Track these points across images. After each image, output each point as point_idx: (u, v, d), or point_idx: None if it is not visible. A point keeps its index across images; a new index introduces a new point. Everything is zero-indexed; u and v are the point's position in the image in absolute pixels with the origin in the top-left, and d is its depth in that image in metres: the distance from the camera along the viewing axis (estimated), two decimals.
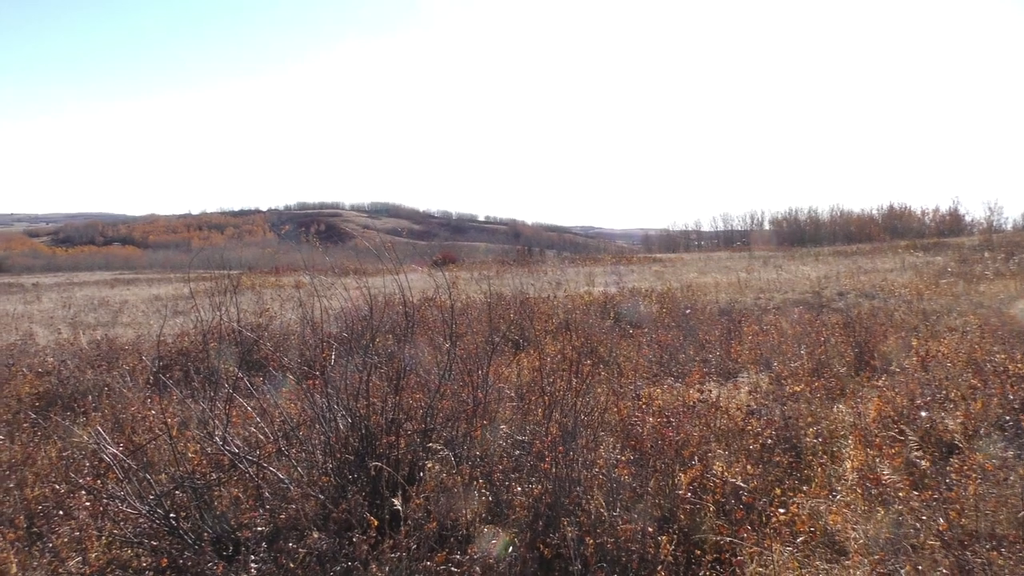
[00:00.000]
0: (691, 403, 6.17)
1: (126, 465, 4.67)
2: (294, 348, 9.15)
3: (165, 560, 4.06)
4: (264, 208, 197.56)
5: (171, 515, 4.35)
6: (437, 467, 4.83)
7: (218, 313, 8.34)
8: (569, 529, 4.01)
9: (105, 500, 4.59)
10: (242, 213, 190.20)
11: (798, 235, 75.93)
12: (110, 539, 4.50)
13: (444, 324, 8.05)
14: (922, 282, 18.31)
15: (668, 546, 4.04)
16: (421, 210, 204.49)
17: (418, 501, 4.27)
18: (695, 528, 4.43)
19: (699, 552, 4.22)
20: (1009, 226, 58.39)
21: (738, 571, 4.04)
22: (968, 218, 67.06)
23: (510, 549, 3.98)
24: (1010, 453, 5.26)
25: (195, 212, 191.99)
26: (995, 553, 3.66)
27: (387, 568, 3.75)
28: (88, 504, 4.73)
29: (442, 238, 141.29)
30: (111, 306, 22.23)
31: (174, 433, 5.81)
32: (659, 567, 3.94)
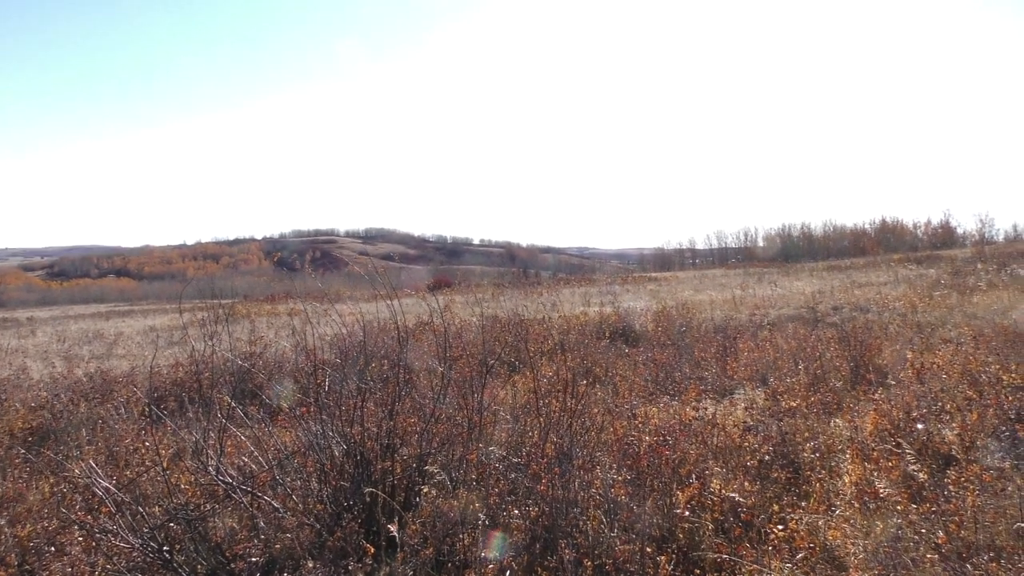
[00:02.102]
0: (687, 421, 6.15)
1: (119, 499, 4.63)
2: (288, 375, 9.11)
3: None
4: (259, 236, 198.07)
5: (165, 548, 4.31)
6: (433, 492, 4.80)
7: (211, 343, 8.33)
8: (567, 551, 3.97)
9: (98, 535, 4.54)
10: (237, 242, 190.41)
11: (792, 250, 76.29)
12: (103, 574, 4.44)
13: (439, 348, 8.04)
14: (916, 295, 18.35)
15: (667, 566, 4.00)
16: (416, 235, 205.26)
17: (414, 527, 4.24)
18: (694, 546, 4.40)
19: (698, 571, 4.18)
20: (1001, 238, 58.84)
21: None
22: (960, 230, 67.56)
23: (508, 574, 3.94)
24: (1007, 464, 5.24)
25: (190, 242, 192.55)
26: (994, 565, 3.64)
27: None
28: (81, 539, 4.68)
29: (437, 262, 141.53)
30: (106, 338, 22.15)
31: (167, 464, 5.78)
32: None
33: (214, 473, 4.69)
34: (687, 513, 4.62)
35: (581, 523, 4.36)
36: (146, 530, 4.36)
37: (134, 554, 4.36)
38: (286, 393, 6.93)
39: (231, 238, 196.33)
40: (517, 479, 4.89)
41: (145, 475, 5.46)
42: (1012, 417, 5.92)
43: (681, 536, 4.46)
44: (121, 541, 4.33)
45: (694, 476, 5.08)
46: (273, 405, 7.13)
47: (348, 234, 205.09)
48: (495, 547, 4.12)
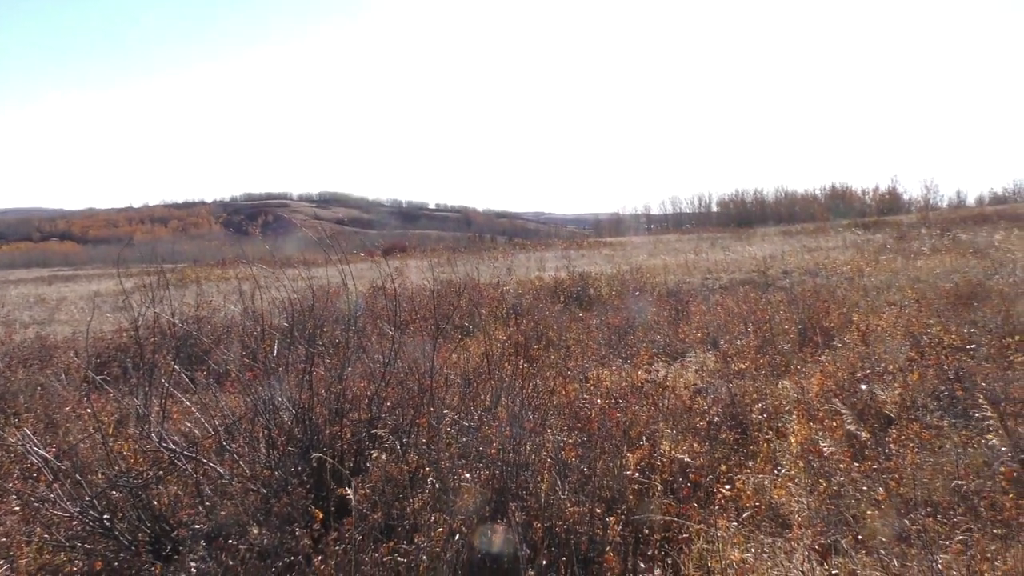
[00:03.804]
0: (639, 384, 6.19)
1: (57, 467, 4.49)
2: (236, 340, 8.93)
3: (99, 563, 3.91)
4: (209, 200, 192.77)
5: (105, 516, 4.19)
6: (383, 457, 4.76)
7: (156, 308, 8.09)
8: (517, 514, 3.97)
9: (35, 504, 4.40)
10: (187, 205, 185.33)
11: (745, 216, 77.22)
12: (41, 544, 4.32)
13: (391, 312, 7.93)
14: (863, 259, 18.78)
15: (616, 527, 4.04)
16: (370, 199, 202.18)
17: (364, 492, 4.19)
18: (643, 508, 4.45)
19: (647, 532, 4.24)
20: (944, 204, 60.50)
21: (685, 549, 4.07)
22: (906, 196, 69.32)
23: (457, 536, 3.93)
24: (945, 422, 5.41)
25: (137, 205, 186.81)
26: (931, 520, 3.75)
27: (332, 561, 3.67)
28: (17, 509, 4.53)
29: (392, 227, 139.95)
30: (48, 303, 21.46)
31: (110, 431, 5.63)
32: (607, 548, 3.94)
33: (157, 440, 4.56)
34: (637, 475, 4.66)
35: (532, 486, 4.37)
36: (86, 499, 4.23)
37: (74, 523, 4.24)
38: (233, 357, 6.78)
39: (180, 201, 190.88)
40: (468, 443, 4.87)
41: (86, 443, 5.30)
42: (951, 377, 6.10)
43: (631, 497, 4.50)
44: (59, 510, 4.21)
45: (644, 438, 5.13)
46: (220, 371, 6.99)
47: (301, 198, 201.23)
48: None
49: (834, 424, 5.37)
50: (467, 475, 4.51)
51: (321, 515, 3.89)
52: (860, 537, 3.73)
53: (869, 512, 3.95)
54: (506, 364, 5.73)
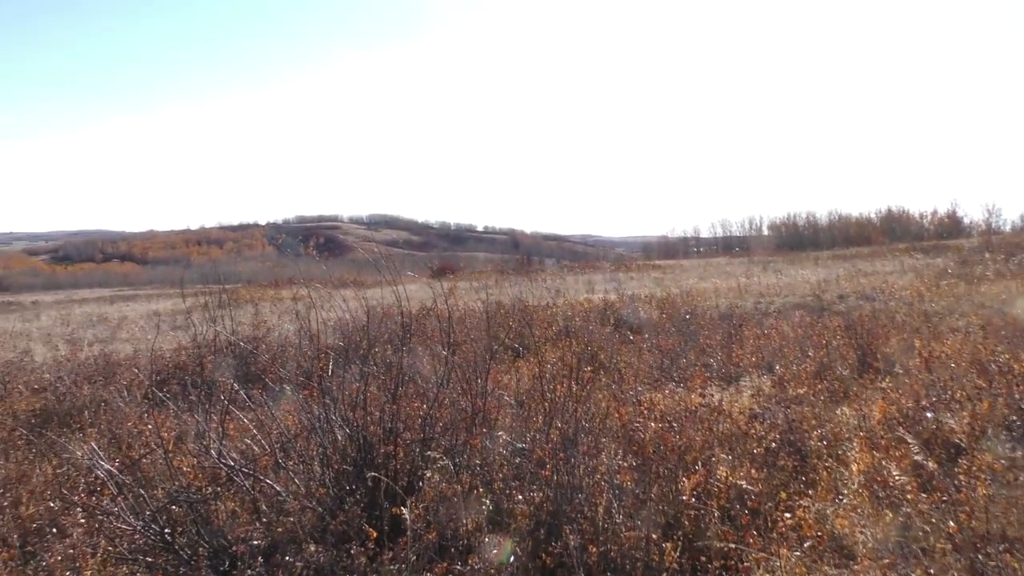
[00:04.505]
0: (693, 408, 6.09)
1: (121, 481, 4.60)
2: (291, 360, 9.07)
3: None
4: (263, 222, 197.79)
5: (166, 530, 4.27)
6: (436, 476, 4.76)
7: (214, 327, 8.29)
8: (572, 537, 3.93)
9: (100, 517, 4.51)
10: (241, 227, 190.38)
11: (797, 240, 76.10)
12: (105, 556, 4.42)
13: (443, 333, 7.97)
14: (922, 284, 18.26)
15: (673, 553, 3.96)
16: (419, 221, 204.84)
17: (417, 511, 4.19)
18: (700, 534, 4.35)
19: (704, 559, 4.14)
20: (1008, 227, 58.61)
21: None
22: (967, 220, 67.38)
23: (512, 559, 3.90)
24: (1018, 453, 5.18)
25: (194, 227, 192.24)
26: (1008, 555, 3.58)
27: None
28: (83, 521, 4.66)
29: (441, 248, 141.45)
30: (110, 322, 22.18)
31: (170, 447, 5.75)
32: (664, 574, 3.87)
33: (216, 456, 4.65)
34: (693, 500, 4.57)
35: (586, 509, 4.31)
36: (148, 513, 4.32)
37: (136, 536, 4.33)
38: (288, 377, 6.89)
39: (235, 223, 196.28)
40: (521, 464, 4.85)
41: (147, 458, 5.43)
42: (1023, 407, 5.85)
43: (687, 523, 4.41)
44: (123, 523, 4.30)
45: (700, 463, 5.03)
46: (276, 389, 7.10)
47: (352, 220, 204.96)
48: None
49: (899, 453, 5.20)
50: (520, 496, 4.49)
51: (375, 534, 3.90)
52: (932, 572, 3.58)
53: (940, 546, 3.80)
54: (558, 386, 5.70)
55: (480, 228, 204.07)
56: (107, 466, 4.69)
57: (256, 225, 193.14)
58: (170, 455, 5.00)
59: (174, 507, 4.52)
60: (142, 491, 4.50)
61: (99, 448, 5.38)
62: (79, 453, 6.00)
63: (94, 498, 4.92)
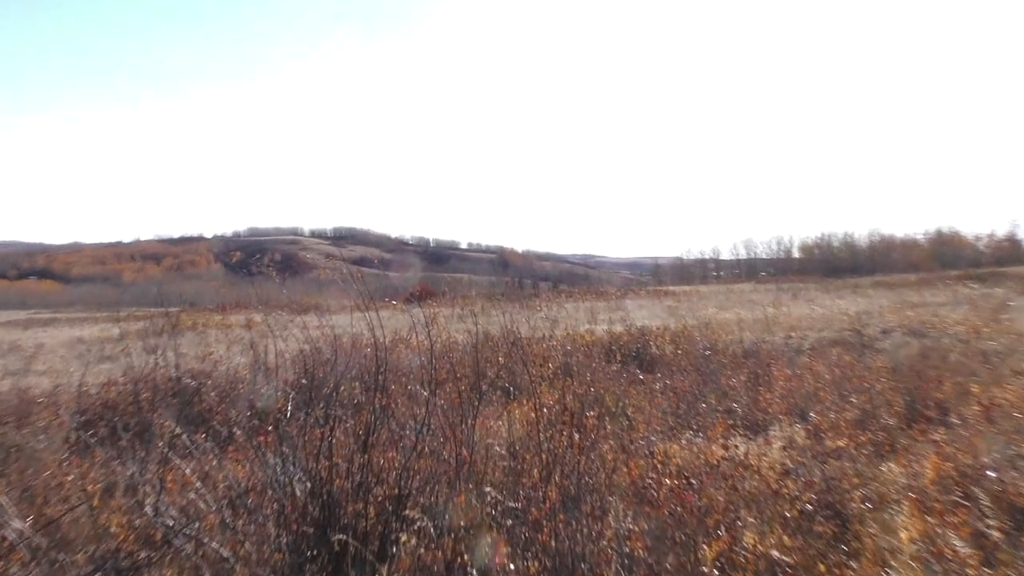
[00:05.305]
0: (715, 462, 6.10)
1: (35, 544, 4.52)
2: (243, 399, 9.01)
3: None
4: (209, 235, 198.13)
5: None
6: (413, 540, 4.72)
7: (153, 358, 8.24)
8: None
9: None
10: (183, 241, 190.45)
11: (832, 264, 76.79)
12: None
13: (422, 370, 7.95)
14: (979, 318, 18.39)
15: None
16: (393, 236, 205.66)
17: None
18: None
19: None
20: None
21: None
22: None
23: None
24: None
25: (127, 240, 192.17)
26: None
27: None
28: None
29: (418, 268, 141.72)
30: (23, 351, 22.01)
31: (96, 502, 5.68)
32: None
33: (152, 513, 4.60)
34: (715, 571, 4.54)
35: None
36: None
37: None
38: (240, 418, 6.84)
39: (175, 236, 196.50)
40: (514, 528, 4.81)
41: (68, 515, 5.35)
42: None
43: None
44: None
45: (723, 527, 5.02)
46: (224, 434, 7.04)
47: (314, 234, 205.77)
48: None
49: (956, 519, 5.19)
50: (512, 566, 4.45)
51: None
52: None
53: None
54: (557, 434, 5.68)
55: (464, 245, 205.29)
56: (18, 525, 4.62)
57: (201, 238, 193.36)
58: (96, 512, 4.94)
59: (99, 575, 4.46)
60: (61, 556, 4.44)
61: (9, 503, 5.30)
62: None
63: (2, 564, 4.83)
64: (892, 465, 6.80)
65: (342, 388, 7.39)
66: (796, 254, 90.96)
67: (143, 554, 4.63)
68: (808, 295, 31.56)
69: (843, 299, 28.10)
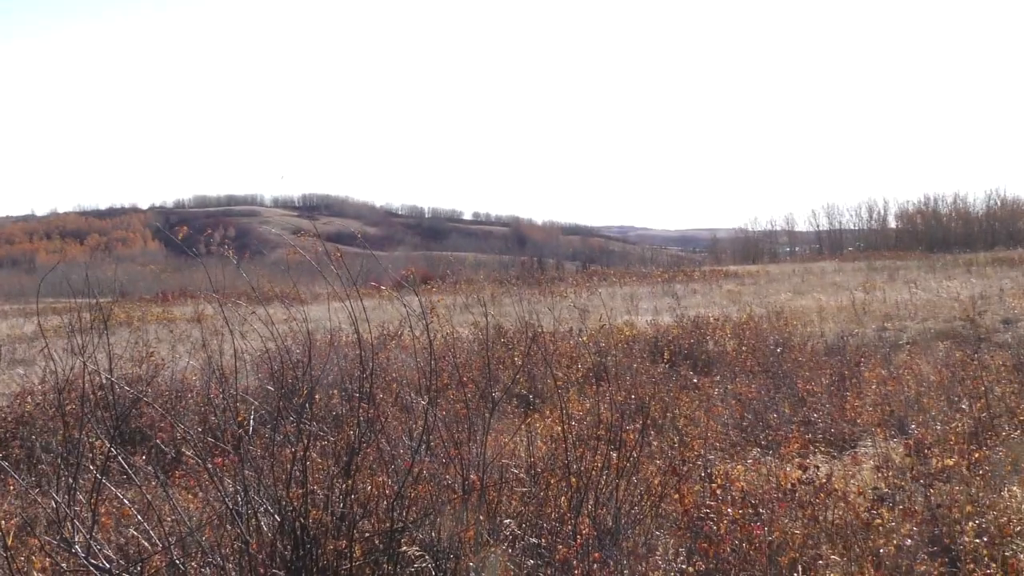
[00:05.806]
0: (789, 486, 6.12)
1: None
2: (193, 412, 9.10)
3: None
4: (144, 205, 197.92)
5: None
6: None
7: (79, 361, 8.30)
8: None
9: None
10: (112, 213, 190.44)
11: (939, 236, 76.24)
12: None
13: (418, 373, 8.01)
14: None
15: None
16: (378, 205, 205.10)
17: None
18: None
19: None
20: None
21: None
22: None
23: None
24: None
25: (41, 213, 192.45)
26: None
27: None
28: None
29: (411, 245, 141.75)
30: None
31: (10, 540, 5.76)
32: None
33: (83, 555, 4.67)
34: None
35: None
36: None
37: None
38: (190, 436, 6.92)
39: (103, 208, 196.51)
40: (537, 569, 4.87)
41: None
42: None
43: None
44: None
45: (800, 567, 5.06)
46: (169, 455, 7.13)
47: (277, 203, 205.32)
48: None
49: None
50: None
51: None
52: None
53: None
54: (589, 453, 5.73)
55: (468, 216, 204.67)
56: None
57: (135, 210, 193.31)
58: (11, 552, 5.02)
59: None
60: None
61: None
62: None
63: None
64: (1016, 489, 6.82)
65: (318, 397, 7.46)
66: (892, 223, 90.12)
67: None
68: (908, 275, 31.41)
69: (953, 280, 27.95)
